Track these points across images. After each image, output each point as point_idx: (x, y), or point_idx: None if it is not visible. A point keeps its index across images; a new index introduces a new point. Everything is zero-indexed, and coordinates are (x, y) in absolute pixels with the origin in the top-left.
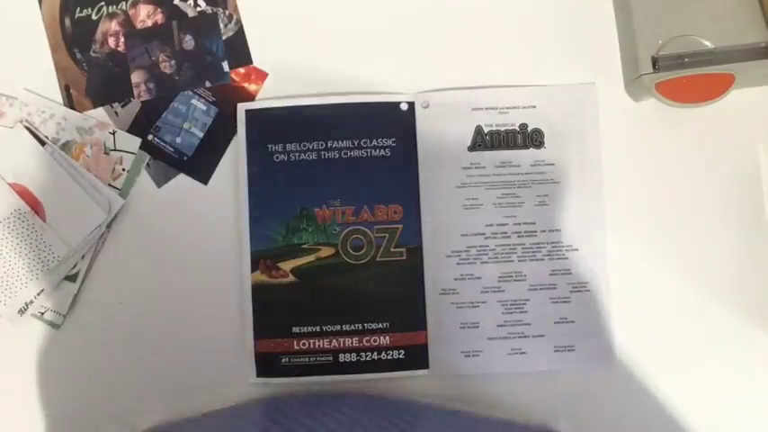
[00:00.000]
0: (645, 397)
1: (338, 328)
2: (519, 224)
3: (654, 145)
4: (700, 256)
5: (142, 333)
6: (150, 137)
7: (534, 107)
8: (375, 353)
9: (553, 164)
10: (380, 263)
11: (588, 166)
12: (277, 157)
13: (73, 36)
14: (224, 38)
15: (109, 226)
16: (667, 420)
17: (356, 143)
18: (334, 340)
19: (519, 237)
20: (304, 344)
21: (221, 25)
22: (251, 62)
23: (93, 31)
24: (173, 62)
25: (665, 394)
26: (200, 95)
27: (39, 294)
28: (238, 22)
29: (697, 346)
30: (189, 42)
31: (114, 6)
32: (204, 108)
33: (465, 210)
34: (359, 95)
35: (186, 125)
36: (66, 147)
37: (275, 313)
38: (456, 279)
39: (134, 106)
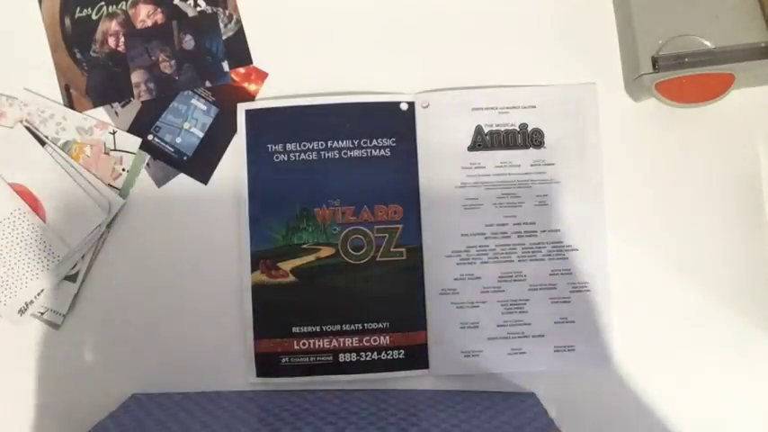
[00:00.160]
0: (644, 397)
1: (338, 328)
2: (519, 224)
3: (654, 145)
4: (699, 255)
5: (142, 333)
6: (150, 137)
7: (534, 107)
8: (375, 353)
9: (553, 164)
10: (380, 263)
11: (588, 166)
12: (277, 157)
13: (73, 36)
14: (224, 38)
15: (109, 226)
16: (667, 420)
17: (356, 143)
18: (334, 340)
19: (519, 237)
20: (304, 344)
21: (221, 25)
22: (251, 62)
23: (93, 31)
24: (173, 62)
25: (665, 394)
26: (200, 95)
27: (39, 294)
28: (238, 22)
29: (697, 345)
30: (189, 42)
31: (114, 6)
32: (204, 108)
33: (465, 210)
34: (359, 95)
35: (186, 125)
36: (66, 147)
37: (275, 313)
38: (456, 279)
39: (134, 106)
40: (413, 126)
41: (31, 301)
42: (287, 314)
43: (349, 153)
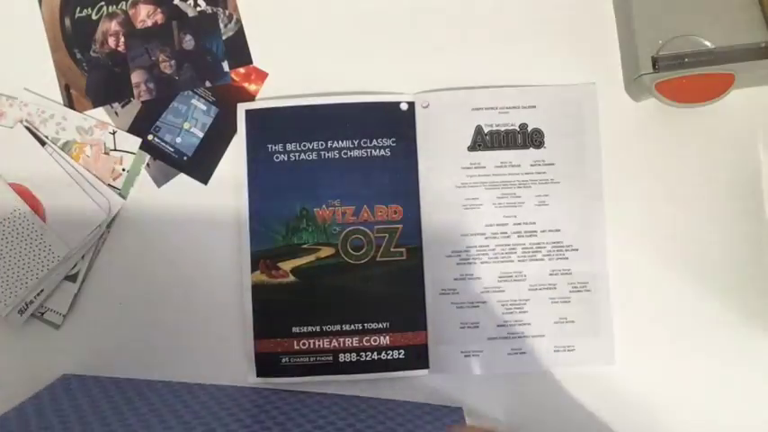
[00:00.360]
0: (644, 397)
1: (338, 328)
2: (519, 224)
3: (654, 145)
4: (699, 255)
5: (142, 333)
6: (150, 137)
7: (534, 107)
8: (375, 353)
9: (553, 164)
10: (380, 263)
11: (588, 167)
12: (277, 157)
13: (73, 36)
14: (224, 38)
15: (109, 226)
16: (667, 420)
17: (356, 143)
18: (334, 340)
19: (519, 237)
20: (304, 344)
21: (221, 25)
22: (251, 62)
23: (93, 31)
24: (173, 62)
25: (665, 394)
26: (200, 95)
27: (39, 294)
28: (238, 22)
29: (697, 345)
30: (189, 42)
31: (114, 6)
32: (204, 108)
33: (465, 210)
34: (359, 95)
35: (186, 125)
36: (66, 147)
37: (275, 313)
38: (456, 279)
39: (134, 106)
40: (413, 126)
41: (31, 301)
42: (287, 314)
43: (349, 153)
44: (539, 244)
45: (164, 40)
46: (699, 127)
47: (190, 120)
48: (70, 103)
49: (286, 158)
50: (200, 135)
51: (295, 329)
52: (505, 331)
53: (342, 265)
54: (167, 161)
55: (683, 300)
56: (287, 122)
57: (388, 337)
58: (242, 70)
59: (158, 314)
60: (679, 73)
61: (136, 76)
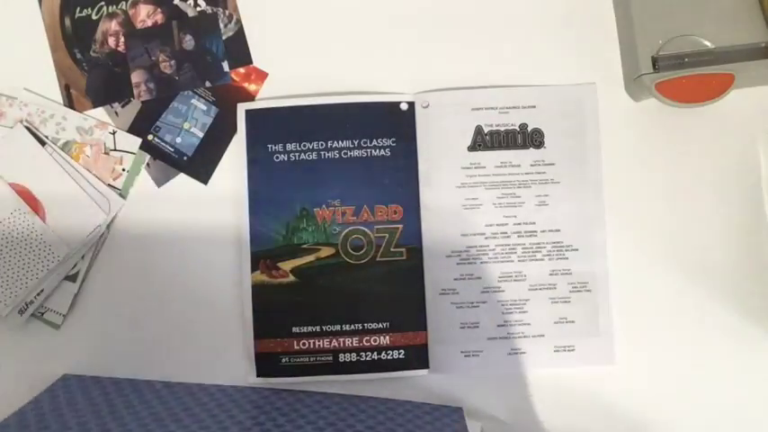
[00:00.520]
0: (645, 397)
1: (338, 328)
2: (519, 224)
3: (654, 145)
4: (699, 255)
5: (142, 333)
6: (150, 137)
7: (534, 107)
8: (375, 353)
9: (553, 164)
10: (380, 263)
11: (588, 166)
12: (277, 157)
13: (73, 36)
14: (224, 38)
15: (109, 226)
16: (667, 420)
17: (356, 143)
18: (334, 340)
19: (519, 237)
20: (304, 344)
21: (221, 25)
22: (251, 62)
23: (93, 31)
24: (173, 62)
25: (665, 394)
26: (200, 95)
27: (39, 294)
28: (238, 22)
29: (697, 345)
30: (189, 42)
31: (114, 6)
32: (204, 108)
33: (465, 210)
34: (359, 95)
35: (186, 125)
36: (66, 147)
37: (275, 313)
38: (456, 279)
39: (134, 106)
40: (413, 126)
41: (31, 301)
42: (287, 314)
43: (349, 153)
44: (539, 244)
45: (164, 40)
46: (699, 127)
47: (190, 120)
48: (70, 103)
49: (286, 158)
50: (200, 135)
51: (295, 329)
52: (505, 331)
53: (342, 265)
54: (167, 161)
55: (683, 299)
56: (287, 122)
57: (387, 337)
58: (242, 70)
59: (158, 314)
60: (679, 73)
61: (136, 76)
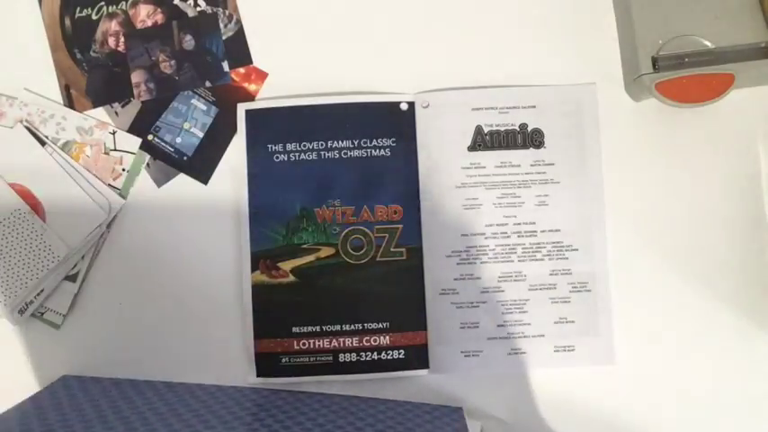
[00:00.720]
0: (645, 397)
1: (338, 328)
2: (519, 224)
3: (654, 145)
4: (700, 255)
5: (142, 333)
6: (150, 137)
7: (534, 107)
8: (375, 353)
9: (553, 164)
10: (380, 263)
11: (588, 166)
12: (277, 157)
13: (73, 36)
14: (224, 38)
15: (109, 226)
16: (667, 420)
17: (356, 143)
18: (334, 340)
19: (519, 237)
20: (304, 344)
21: (221, 25)
22: (251, 62)
23: (93, 31)
24: (173, 62)
25: (665, 394)
26: (200, 95)
27: (39, 294)
28: (238, 22)
29: (697, 345)
30: (189, 42)
31: (114, 6)
32: (204, 108)
33: (465, 210)
34: (359, 95)
35: (186, 125)
36: (66, 147)
37: (275, 313)
38: (456, 279)
39: (134, 106)
40: (413, 126)
41: (31, 301)
42: (287, 314)
43: (349, 153)
44: (539, 244)
45: (164, 40)
46: (699, 127)
47: (190, 120)
48: (70, 103)
49: (286, 158)
50: (200, 135)
51: (295, 329)
52: (505, 331)
53: (342, 265)
54: (167, 161)
55: (683, 299)
56: (287, 122)
57: (387, 337)
58: (242, 70)
59: (158, 314)
60: (679, 73)
61: (136, 76)
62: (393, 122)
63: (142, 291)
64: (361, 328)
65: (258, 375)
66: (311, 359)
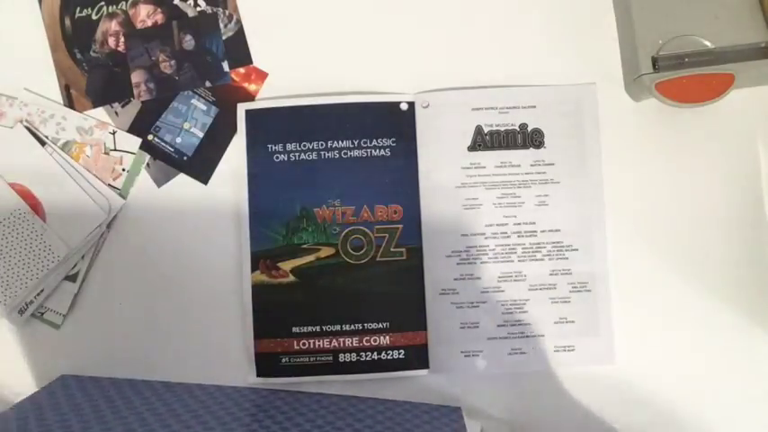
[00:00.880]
0: (645, 397)
1: (338, 328)
2: (519, 224)
3: (654, 145)
4: (700, 255)
5: (142, 333)
6: (150, 137)
7: (534, 107)
8: (375, 353)
9: (553, 164)
10: (380, 263)
11: (588, 167)
12: (277, 157)
13: (73, 36)
14: (224, 38)
15: (109, 226)
16: (667, 420)
17: (356, 143)
18: (334, 340)
19: (519, 237)
20: (304, 344)
21: (221, 25)
22: (251, 62)
23: (93, 31)
24: (173, 62)
25: (666, 394)
26: (200, 95)
27: (39, 294)
28: (238, 22)
29: (697, 345)
30: (189, 42)
31: (114, 6)
32: (204, 108)
33: (465, 210)
34: (359, 95)
35: (186, 125)
36: (66, 147)
37: (275, 313)
38: (456, 279)
39: (134, 106)
40: (413, 126)
41: (31, 301)
42: (287, 314)
43: (349, 153)
44: (539, 244)
45: (164, 40)
46: (699, 127)
47: (190, 120)
48: (70, 103)
49: (286, 158)
50: (200, 135)
51: (295, 329)
52: (505, 331)
53: (342, 265)
54: (167, 161)
55: (684, 299)
56: (287, 122)
57: (387, 337)
58: (242, 70)
59: (158, 314)
60: (679, 73)
61: (136, 76)
62: (393, 122)
63: (142, 291)
64: (361, 328)
65: (258, 375)
66: (311, 359)
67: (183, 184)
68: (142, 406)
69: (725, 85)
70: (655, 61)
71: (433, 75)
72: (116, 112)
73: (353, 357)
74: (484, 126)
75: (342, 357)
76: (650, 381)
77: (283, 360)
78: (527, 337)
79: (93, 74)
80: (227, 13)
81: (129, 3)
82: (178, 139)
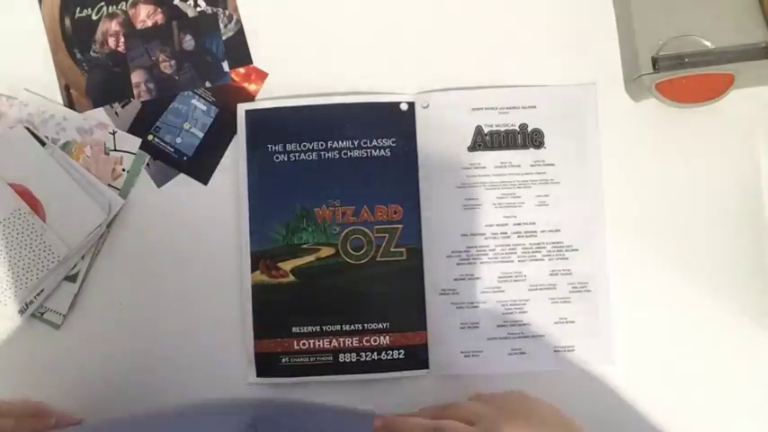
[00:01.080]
0: (645, 397)
1: (338, 328)
2: (519, 224)
3: (654, 145)
4: (699, 256)
5: (142, 333)
6: (150, 137)
7: (534, 107)
8: (375, 353)
9: (553, 164)
10: (380, 263)
11: (588, 167)
12: (277, 157)
13: (73, 36)
14: (224, 38)
15: (109, 226)
16: (668, 420)
17: (356, 143)
18: (334, 340)
19: (519, 237)
20: (304, 344)
21: (221, 25)
22: (251, 62)
23: (93, 31)
24: (173, 62)
25: (665, 394)
26: (200, 95)
27: (39, 294)
28: (238, 22)
29: (697, 345)
30: (189, 42)
31: (114, 6)
32: (204, 108)
33: (465, 210)
34: (359, 95)
35: (186, 125)
36: (66, 147)
37: (275, 313)
38: (456, 279)
39: (134, 106)
40: (413, 126)
41: (31, 301)
42: (287, 314)
43: (349, 153)
44: (539, 244)
45: (164, 40)
46: (699, 127)
47: (190, 120)
48: (70, 103)
49: (286, 158)
50: (200, 135)
51: (295, 329)
52: (505, 331)
53: (342, 265)
54: (167, 161)
55: (683, 300)
56: (287, 122)
57: (387, 338)
58: (242, 70)
59: (158, 314)
60: (679, 73)
61: (136, 76)
62: (393, 122)
63: (142, 291)
64: (361, 328)
65: (258, 375)
66: (311, 359)
67: (183, 184)
68: None
69: (725, 85)
70: (655, 61)
71: (433, 75)
72: (116, 113)
73: (353, 357)
74: (484, 126)
75: (342, 357)
76: (650, 381)
77: (283, 360)
78: (527, 337)
79: (93, 74)
80: (227, 13)
81: (129, 3)
82: (178, 140)
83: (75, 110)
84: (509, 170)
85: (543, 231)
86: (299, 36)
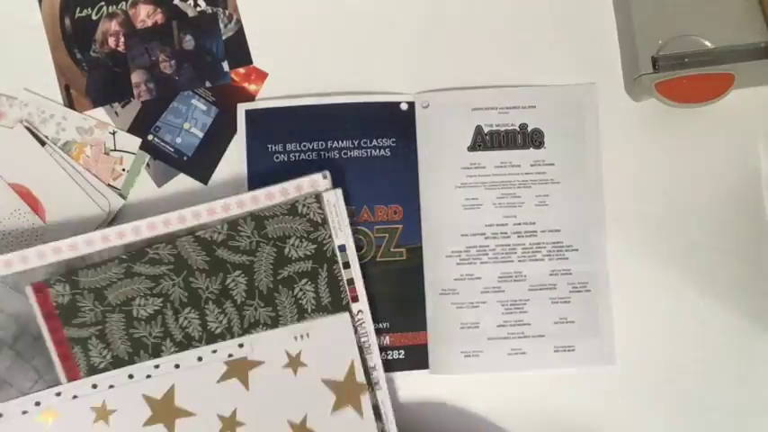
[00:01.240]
0: (645, 397)
1: None
2: (519, 224)
3: (654, 145)
4: (699, 255)
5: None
6: (150, 137)
7: (534, 107)
8: None
9: (553, 164)
10: (380, 263)
11: (588, 166)
12: (277, 157)
13: (73, 36)
14: (224, 38)
15: (109, 226)
16: (668, 420)
17: (356, 143)
18: None
19: (519, 237)
20: None
21: (221, 25)
22: (251, 62)
23: (93, 31)
24: (173, 62)
25: (666, 394)
26: (200, 95)
27: None
28: (238, 22)
29: (697, 345)
30: (189, 42)
31: (114, 6)
32: (204, 108)
33: (465, 210)
34: (359, 95)
35: (186, 125)
36: (66, 147)
37: None
38: (456, 279)
39: (134, 106)
40: (413, 126)
41: None
42: None
43: (349, 153)
44: (539, 244)
45: (164, 40)
46: (699, 127)
47: (190, 120)
48: (70, 103)
49: (286, 158)
50: (200, 135)
51: None
52: (505, 331)
53: None
54: (167, 161)
55: (683, 300)
56: (287, 122)
57: (388, 337)
58: (242, 70)
59: None
60: (679, 73)
61: (136, 76)
62: (393, 122)
63: None
64: None
65: None
66: None
67: (183, 184)
68: None
69: (725, 85)
70: (655, 61)
71: (433, 75)
72: (116, 112)
73: None
74: (484, 126)
75: None
76: (650, 381)
77: None
78: (527, 337)
79: (93, 74)
80: (227, 13)
81: (129, 3)
82: (178, 139)
83: (74, 110)
84: (509, 170)
85: (543, 231)
86: (299, 36)
